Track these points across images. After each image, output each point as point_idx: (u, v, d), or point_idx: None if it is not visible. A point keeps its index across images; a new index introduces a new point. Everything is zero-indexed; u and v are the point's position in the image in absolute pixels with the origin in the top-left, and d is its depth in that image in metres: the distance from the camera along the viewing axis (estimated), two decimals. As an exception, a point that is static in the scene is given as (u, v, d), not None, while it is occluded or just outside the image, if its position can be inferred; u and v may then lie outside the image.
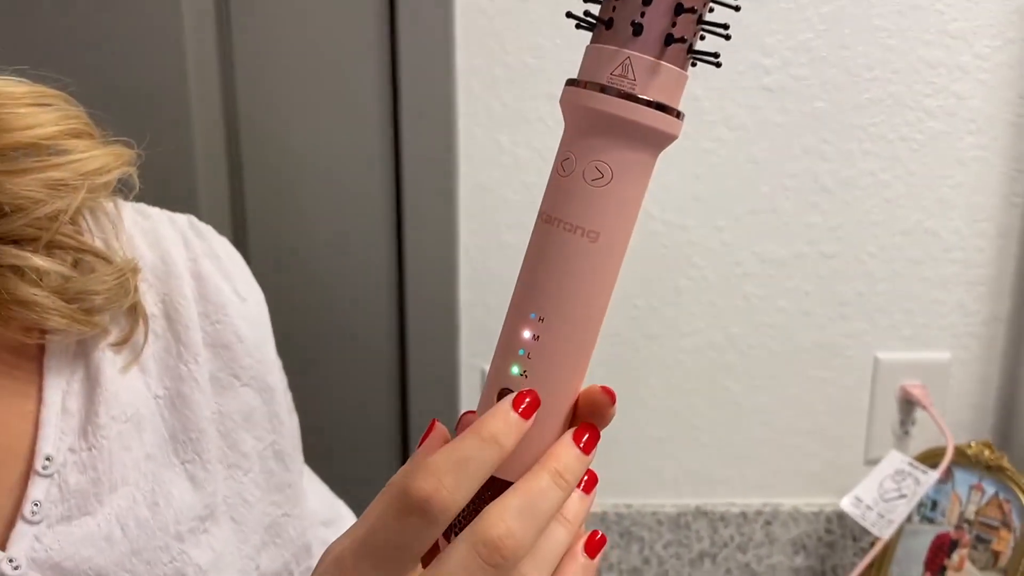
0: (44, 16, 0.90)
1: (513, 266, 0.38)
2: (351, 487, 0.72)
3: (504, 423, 0.37)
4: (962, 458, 1.01)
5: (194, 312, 0.53)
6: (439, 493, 0.35)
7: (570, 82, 0.38)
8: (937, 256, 1.02)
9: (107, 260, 0.49)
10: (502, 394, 0.38)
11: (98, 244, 0.50)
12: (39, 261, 0.46)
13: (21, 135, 0.46)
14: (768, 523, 1.09)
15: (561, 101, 0.38)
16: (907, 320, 1.05)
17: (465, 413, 0.41)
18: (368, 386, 1.02)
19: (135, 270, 0.50)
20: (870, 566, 1.01)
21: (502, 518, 0.35)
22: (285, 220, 0.97)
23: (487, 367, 1.05)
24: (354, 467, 1.03)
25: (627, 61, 0.36)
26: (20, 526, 0.45)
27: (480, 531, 0.35)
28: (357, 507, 0.70)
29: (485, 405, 0.39)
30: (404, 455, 1.05)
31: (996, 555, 0.97)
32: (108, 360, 0.50)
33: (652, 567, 1.10)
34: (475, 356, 1.03)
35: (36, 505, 0.46)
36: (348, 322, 1.00)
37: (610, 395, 0.39)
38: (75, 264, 0.49)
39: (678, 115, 0.37)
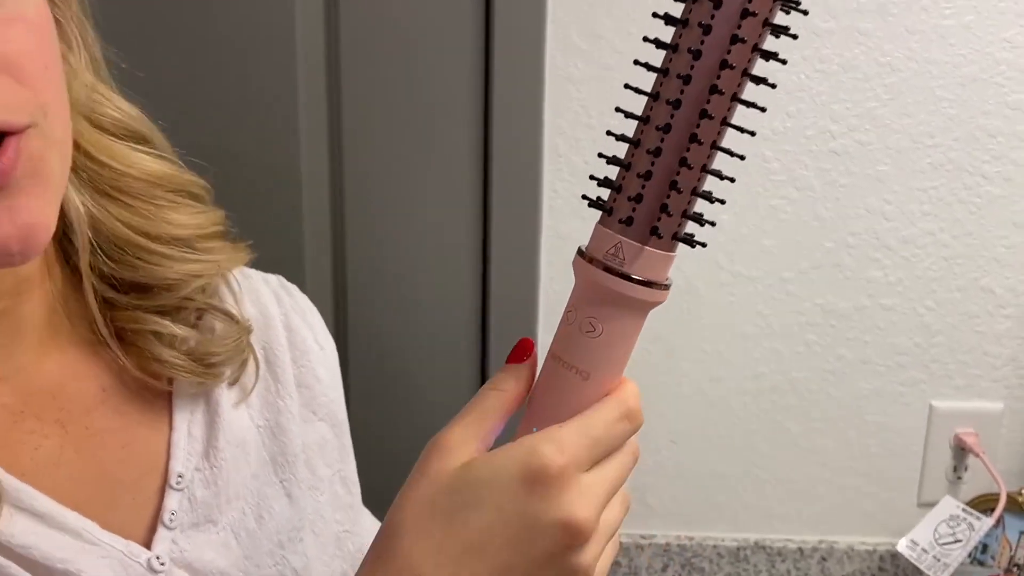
0: (161, 27, 0.99)
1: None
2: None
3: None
4: (1013, 504, 1.06)
5: (287, 357, 0.63)
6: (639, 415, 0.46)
7: (579, 251, 0.45)
8: (992, 311, 1.08)
9: (235, 320, 0.58)
10: None
11: (228, 306, 0.60)
12: (177, 330, 0.55)
13: (177, 230, 0.55)
14: (824, 559, 1.14)
15: (572, 264, 0.46)
16: (961, 371, 1.10)
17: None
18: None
19: (248, 330, 0.60)
20: (922, 604, 1.07)
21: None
22: (380, 267, 1.05)
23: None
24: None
25: (619, 244, 0.43)
26: (161, 531, 0.53)
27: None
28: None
29: None
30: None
31: (1044, 598, 1.02)
32: (224, 396, 0.59)
33: (712, 597, 1.16)
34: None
35: (173, 514, 0.54)
36: (433, 363, 1.08)
37: None
38: (199, 321, 0.57)
39: (663, 287, 0.44)
